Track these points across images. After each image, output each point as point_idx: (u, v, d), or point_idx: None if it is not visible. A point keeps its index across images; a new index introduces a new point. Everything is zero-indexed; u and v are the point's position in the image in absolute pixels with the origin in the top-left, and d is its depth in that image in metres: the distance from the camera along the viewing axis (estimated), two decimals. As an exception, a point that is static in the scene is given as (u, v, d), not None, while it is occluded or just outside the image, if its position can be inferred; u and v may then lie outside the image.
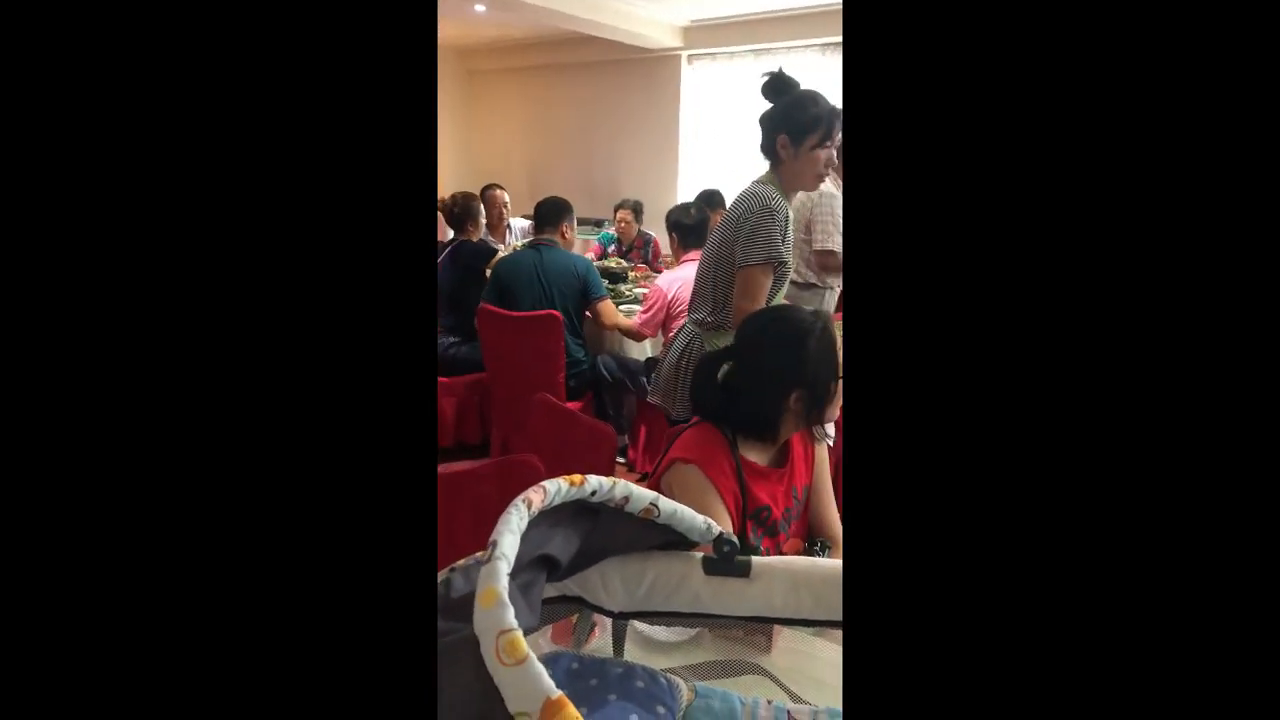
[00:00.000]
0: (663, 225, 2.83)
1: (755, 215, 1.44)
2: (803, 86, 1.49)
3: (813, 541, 1.14)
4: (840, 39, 4.74)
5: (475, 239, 2.98)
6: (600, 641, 0.63)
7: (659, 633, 0.74)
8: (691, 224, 2.62)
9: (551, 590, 0.54)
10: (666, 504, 0.52)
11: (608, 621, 0.58)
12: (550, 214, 2.56)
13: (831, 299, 2.38)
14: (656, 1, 4.66)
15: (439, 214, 3.13)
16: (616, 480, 0.49)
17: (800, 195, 2.39)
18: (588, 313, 2.55)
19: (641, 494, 0.51)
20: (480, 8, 4.53)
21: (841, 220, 2.29)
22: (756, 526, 1.04)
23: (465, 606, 0.34)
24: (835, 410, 1.06)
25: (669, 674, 0.56)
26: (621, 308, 2.82)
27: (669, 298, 2.46)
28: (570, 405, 2.42)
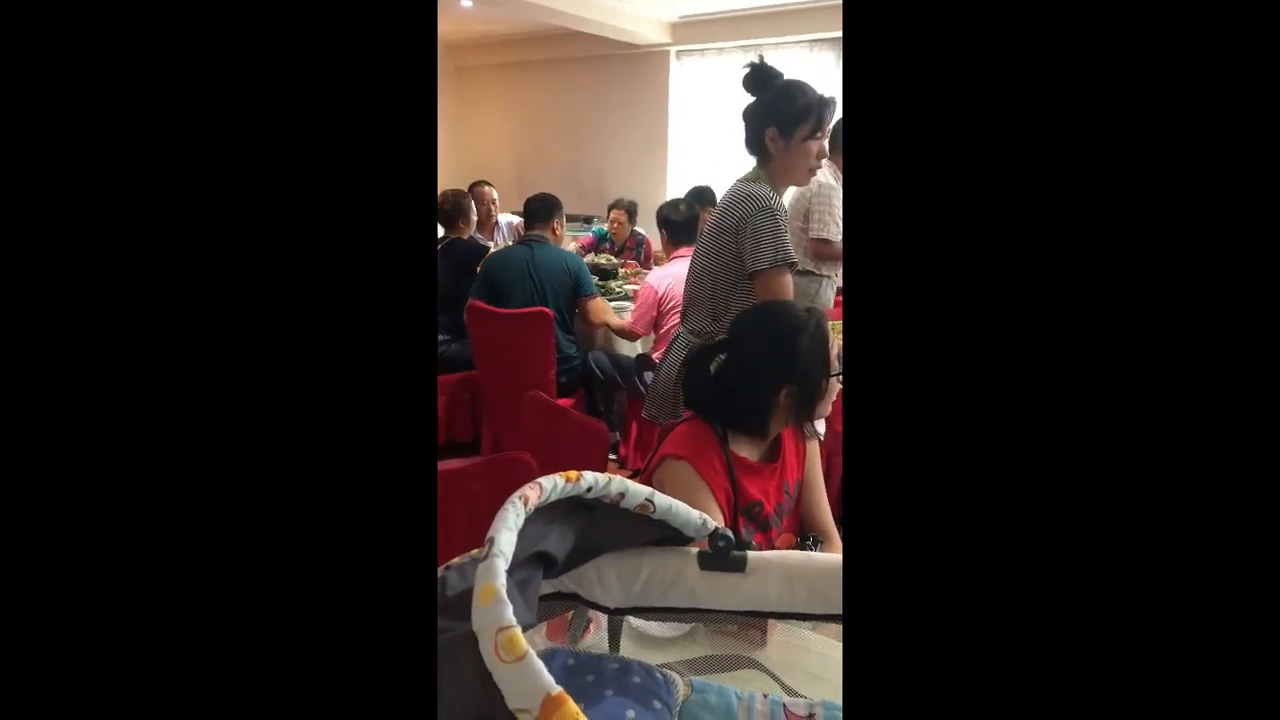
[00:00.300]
0: (654, 223, 2.83)
1: (757, 218, 1.35)
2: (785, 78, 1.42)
3: (804, 536, 1.15)
4: (829, 34, 4.76)
5: (465, 236, 2.97)
6: (596, 638, 0.63)
7: (654, 628, 0.74)
8: (681, 220, 2.62)
9: (547, 587, 0.54)
10: (662, 500, 0.52)
11: (603, 618, 0.58)
12: (540, 210, 2.56)
13: (829, 288, 2.38)
14: (645, -3, 4.66)
15: (430, 212, 3.11)
16: (612, 476, 0.49)
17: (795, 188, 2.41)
18: (586, 311, 2.55)
19: (637, 490, 0.51)
20: (467, 3, 4.50)
21: (840, 212, 2.29)
22: (748, 522, 1.05)
23: (462, 604, 0.34)
24: (827, 407, 1.06)
25: (665, 669, 0.56)
26: (612, 304, 2.82)
27: (659, 294, 2.46)
28: (562, 402, 2.42)
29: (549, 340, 2.39)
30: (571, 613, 0.59)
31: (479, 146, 6.66)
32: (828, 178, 2.31)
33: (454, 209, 2.94)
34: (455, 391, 2.70)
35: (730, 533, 0.55)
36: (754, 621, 0.65)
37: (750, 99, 1.44)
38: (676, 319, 2.42)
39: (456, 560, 0.43)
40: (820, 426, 1.18)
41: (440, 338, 2.80)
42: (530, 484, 0.43)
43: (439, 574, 0.41)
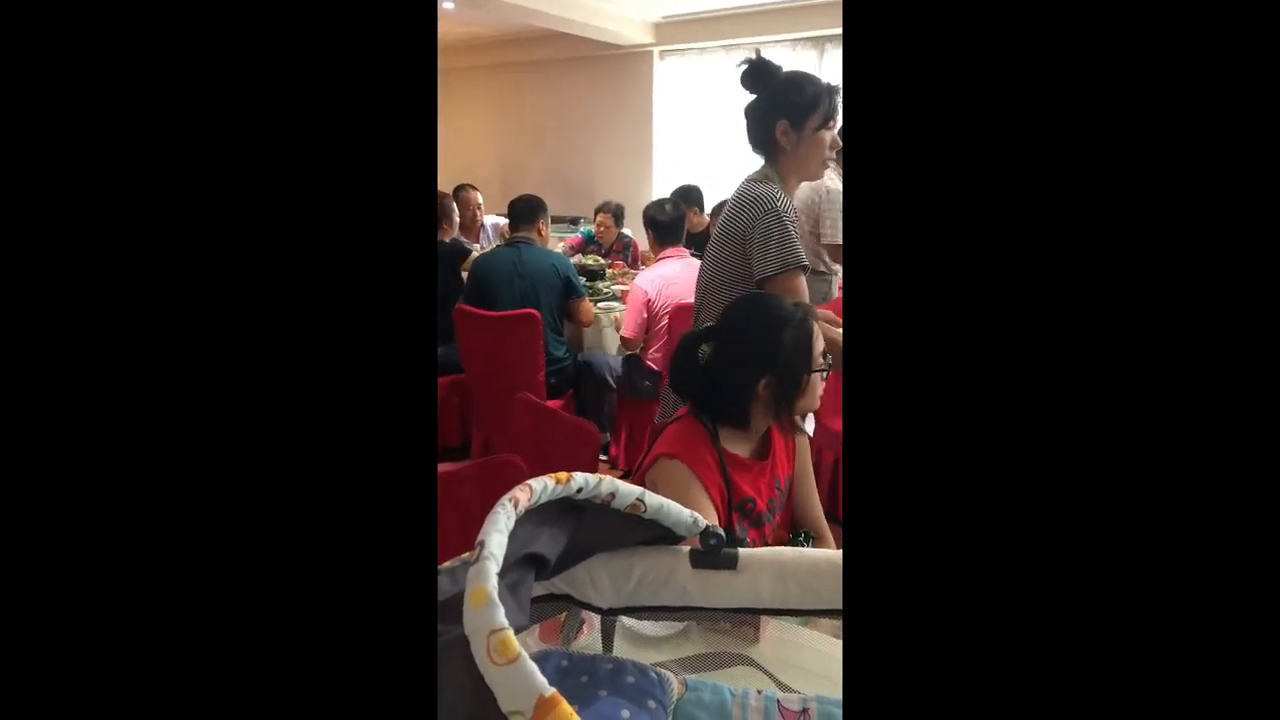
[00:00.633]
0: (641, 224, 2.83)
1: (763, 221, 1.28)
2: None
3: (796, 532, 1.15)
4: (811, 34, 4.78)
5: (449, 239, 2.96)
6: (589, 638, 0.63)
7: (647, 628, 0.74)
8: (668, 221, 2.62)
9: (539, 589, 0.54)
10: (653, 499, 0.52)
11: (596, 618, 0.58)
12: (526, 212, 2.56)
13: (836, 285, 2.40)
14: (627, -3, 4.66)
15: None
16: (603, 477, 0.49)
17: (805, 188, 2.32)
18: (569, 312, 2.55)
19: (628, 490, 0.51)
20: (448, 4, 4.48)
21: None
22: (742, 518, 1.05)
23: (454, 607, 0.34)
24: (810, 403, 1.06)
25: (659, 668, 0.56)
26: (600, 305, 2.82)
27: (649, 297, 2.46)
28: (552, 404, 2.41)
29: (537, 342, 2.38)
30: (564, 614, 0.59)
31: (463, 149, 6.63)
32: (836, 182, 2.32)
33: (438, 211, 2.93)
34: (444, 395, 2.69)
35: (721, 531, 0.55)
36: (747, 618, 0.65)
37: (740, 98, 1.38)
38: (668, 320, 2.43)
39: (448, 564, 0.43)
40: (809, 423, 1.19)
41: (427, 341, 2.78)
42: (520, 486, 0.43)
43: (430, 578, 0.41)
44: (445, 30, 5.74)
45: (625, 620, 0.63)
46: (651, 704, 0.52)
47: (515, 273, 2.44)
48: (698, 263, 2.63)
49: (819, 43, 4.85)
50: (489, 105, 6.50)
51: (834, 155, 1.41)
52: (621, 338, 2.55)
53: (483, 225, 3.77)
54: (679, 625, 0.75)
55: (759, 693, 0.57)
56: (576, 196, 5.64)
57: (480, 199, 3.74)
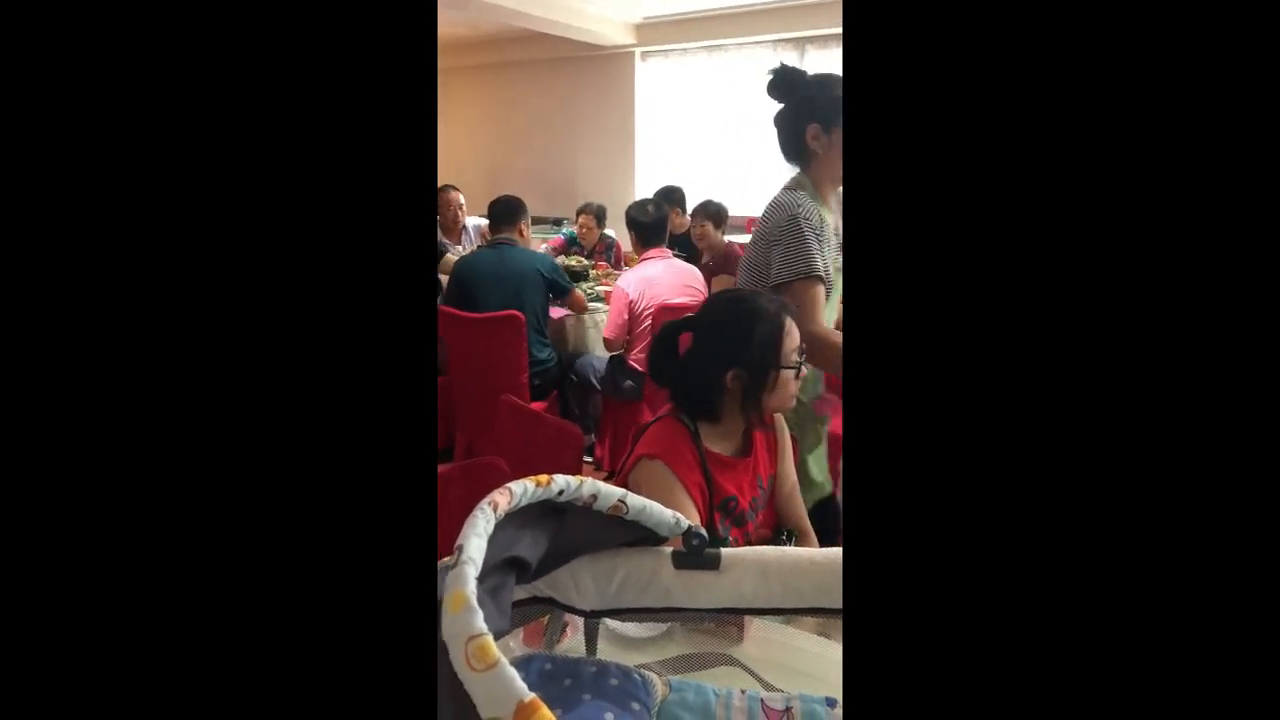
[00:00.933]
0: (624, 225, 2.83)
1: (782, 227, 1.26)
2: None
3: (779, 531, 1.16)
4: (791, 34, 4.81)
5: (431, 240, 2.93)
6: (573, 641, 0.62)
7: (631, 629, 0.74)
8: (650, 221, 2.62)
9: (522, 592, 0.54)
10: (634, 500, 0.52)
11: (580, 621, 0.58)
12: (506, 213, 2.55)
13: None
14: (608, -2, 4.66)
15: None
16: (584, 479, 0.49)
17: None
18: (563, 305, 2.55)
19: (609, 491, 0.50)
20: (429, 6, 4.45)
21: None
22: (724, 517, 1.05)
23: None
24: (781, 400, 1.06)
25: (643, 670, 0.55)
26: (585, 306, 2.83)
27: (630, 299, 2.45)
28: (536, 405, 2.40)
29: (521, 344, 2.37)
30: (547, 617, 0.58)
31: (445, 150, 6.59)
32: None
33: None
34: (427, 398, 2.67)
35: (704, 531, 0.55)
36: (730, 618, 0.66)
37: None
38: (649, 322, 2.43)
39: (427, 569, 0.43)
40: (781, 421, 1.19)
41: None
42: (500, 490, 0.42)
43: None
44: (426, 31, 5.69)
45: (609, 622, 0.63)
46: (635, 706, 0.52)
47: (498, 274, 2.43)
48: (680, 263, 2.65)
49: (799, 44, 4.88)
50: (471, 106, 6.47)
51: None
52: (604, 338, 2.54)
53: (465, 227, 3.75)
54: (663, 626, 0.75)
55: (743, 692, 0.57)
56: (559, 198, 5.62)
57: (462, 200, 3.72)
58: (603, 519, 0.51)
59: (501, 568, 0.42)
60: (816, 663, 0.71)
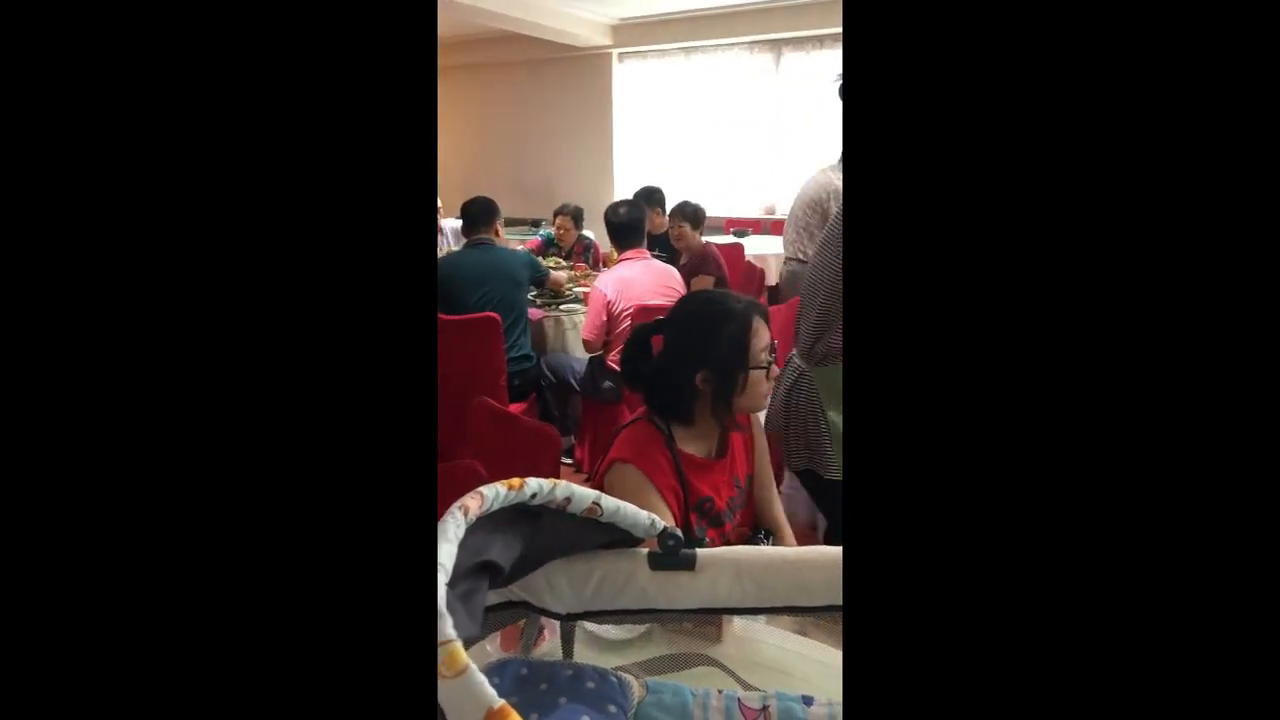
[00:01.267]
0: (603, 226, 2.83)
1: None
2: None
3: (756, 530, 1.16)
4: (767, 36, 4.84)
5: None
6: (550, 645, 0.62)
7: (609, 631, 0.73)
8: (628, 222, 2.61)
9: (496, 596, 0.53)
10: (609, 502, 0.52)
11: (556, 625, 0.57)
12: (481, 215, 2.55)
13: None
14: (585, -1, 4.65)
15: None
16: (558, 482, 0.49)
17: (812, 185, 2.41)
18: (544, 290, 2.66)
19: (584, 494, 0.50)
20: (404, 5, 4.41)
21: None
22: (701, 518, 1.05)
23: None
24: (752, 401, 1.06)
25: (620, 672, 0.55)
26: (563, 307, 2.81)
27: (608, 300, 2.44)
28: (515, 406, 2.39)
29: (498, 345, 2.36)
30: (523, 621, 0.58)
31: (421, 151, 6.54)
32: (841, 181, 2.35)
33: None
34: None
35: (679, 532, 0.55)
36: (708, 618, 0.65)
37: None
38: (629, 323, 2.43)
39: (398, 575, 0.42)
40: (760, 420, 1.19)
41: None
42: (471, 494, 0.42)
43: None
44: (400, 31, 5.64)
45: (587, 625, 0.63)
46: (612, 708, 0.51)
47: (483, 274, 2.43)
48: (659, 264, 2.64)
49: (775, 46, 4.91)
50: (449, 107, 6.42)
51: None
52: (583, 340, 2.54)
53: (441, 229, 3.72)
54: (641, 628, 0.75)
55: (720, 692, 0.57)
56: (536, 199, 5.61)
57: (439, 201, 3.69)
58: (578, 522, 0.51)
59: (473, 573, 0.42)
60: (795, 660, 0.72)
